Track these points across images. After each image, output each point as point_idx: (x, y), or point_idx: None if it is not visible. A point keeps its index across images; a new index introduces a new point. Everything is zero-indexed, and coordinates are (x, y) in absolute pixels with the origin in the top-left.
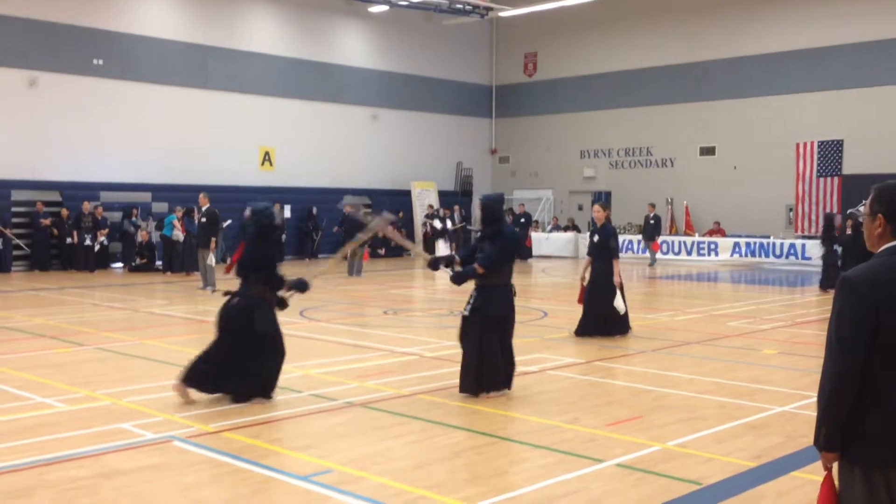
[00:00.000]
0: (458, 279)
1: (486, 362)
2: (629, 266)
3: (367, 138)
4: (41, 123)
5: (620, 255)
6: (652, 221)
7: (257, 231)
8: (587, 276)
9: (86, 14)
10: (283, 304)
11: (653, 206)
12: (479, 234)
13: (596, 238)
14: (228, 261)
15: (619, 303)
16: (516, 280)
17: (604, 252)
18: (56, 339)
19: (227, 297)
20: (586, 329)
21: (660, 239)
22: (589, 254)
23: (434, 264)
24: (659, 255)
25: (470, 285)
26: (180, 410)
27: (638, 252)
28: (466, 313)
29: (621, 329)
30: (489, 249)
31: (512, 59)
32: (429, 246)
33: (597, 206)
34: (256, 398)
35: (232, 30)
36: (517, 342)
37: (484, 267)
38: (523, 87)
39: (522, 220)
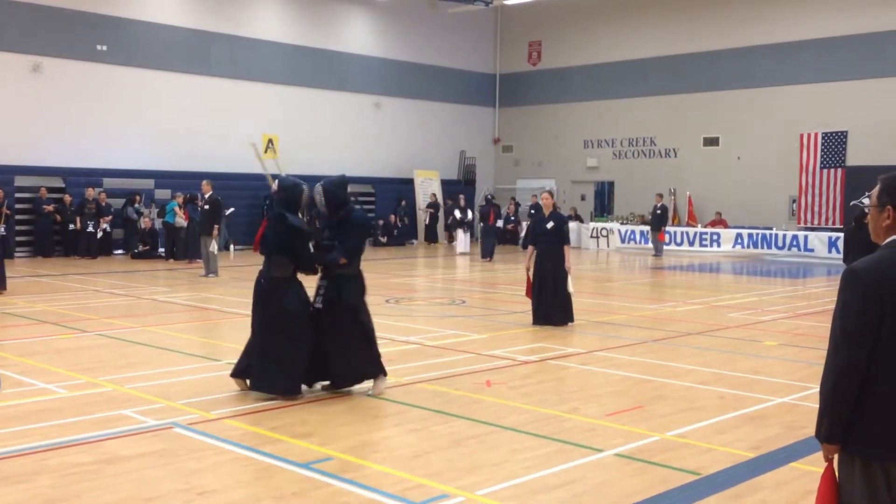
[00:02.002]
0: (318, 261)
1: (343, 353)
2: (633, 256)
3: (370, 126)
4: (45, 109)
5: (623, 245)
6: (659, 212)
7: (282, 210)
8: (532, 265)
9: None
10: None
11: (660, 196)
12: (325, 221)
13: (550, 224)
14: (232, 248)
15: (571, 286)
16: (518, 271)
17: (557, 238)
18: (58, 325)
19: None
20: (544, 318)
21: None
22: (534, 242)
23: None
24: (672, 246)
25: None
26: (181, 397)
27: (640, 242)
28: (319, 305)
29: (565, 318)
30: (348, 239)
31: (516, 47)
32: (431, 236)
33: (545, 194)
34: (288, 395)
35: (235, 16)
36: (519, 331)
37: (348, 258)
38: (527, 76)
39: (532, 210)
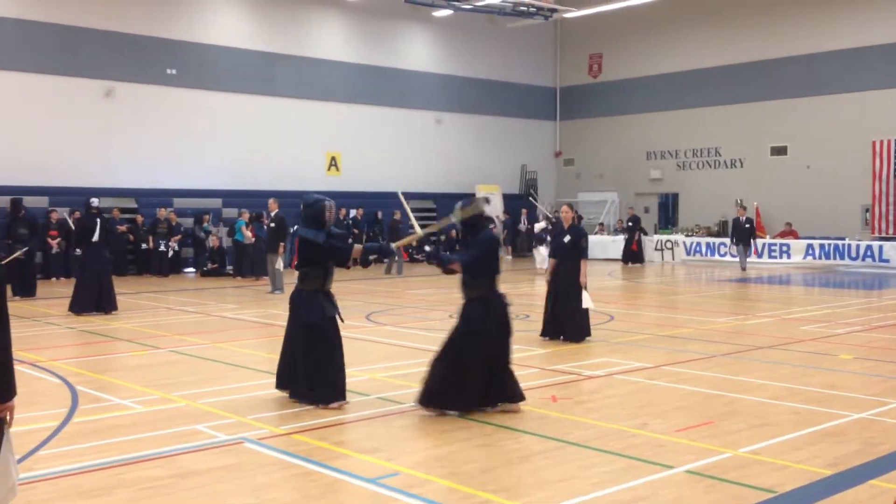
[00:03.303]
0: (431, 257)
1: (456, 379)
2: (698, 269)
3: (431, 142)
4: (117, 132)
5: (689, 257)
6: (747, 225)
7: (302, 226)
8: (551, 277)
9: (160, 25)
10: (365, 262)
11: (744, 208)
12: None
13: (567, 238)
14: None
15: (587, 301)
16: (592, 282)
17: (573, 252)
18: (132, 342)
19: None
20: (557, 331)
21: (730, 241)
22: (553, 255)
23: (420, 248)
24: (728, 258)
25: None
26: (251, 412)
27: (706, 254)
28: (453, 329)
29: (579, 334)
30: (469, 251)
31: (576, 60)
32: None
33: (564, 207)
34: (325, 403)
35: (299, 37)
36: (584, 345)
37: (462, 263)
38: (588, 88)
39: (630, 223)
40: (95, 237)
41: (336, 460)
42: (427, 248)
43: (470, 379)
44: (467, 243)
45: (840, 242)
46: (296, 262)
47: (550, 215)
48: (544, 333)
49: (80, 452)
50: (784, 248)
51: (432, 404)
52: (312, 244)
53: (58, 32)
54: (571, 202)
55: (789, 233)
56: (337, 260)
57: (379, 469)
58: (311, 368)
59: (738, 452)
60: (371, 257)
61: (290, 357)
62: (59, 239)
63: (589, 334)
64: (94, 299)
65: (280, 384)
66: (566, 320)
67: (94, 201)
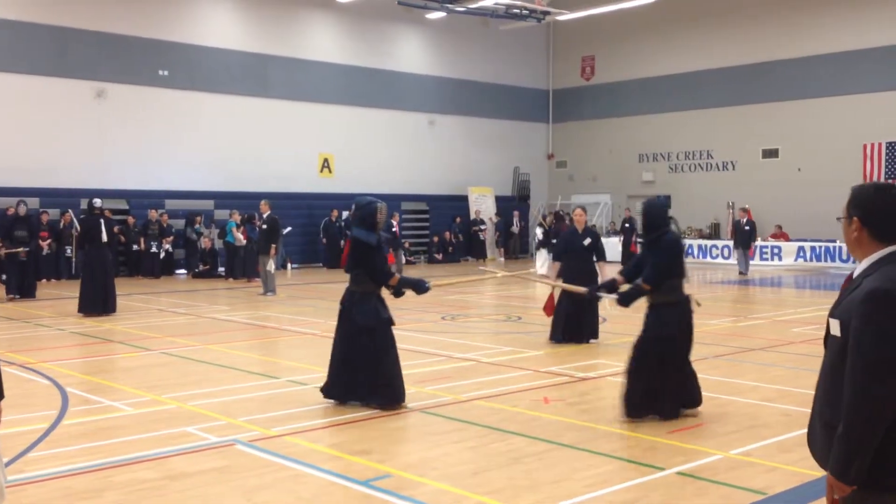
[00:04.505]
0: (625, 300)
1: (655, 386)
2: (690, 271)
3: (424, 144)
4: (109, 133)
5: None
6: (747, 227)
7: (354, 226)
8: (559, 281)
9: (152, 26)
10: (398, 292)
11: (744, 210)
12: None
13: (587, 241)
14: (289, 266)
15: (608, 303)
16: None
17: (594, 255)
18: (123, 343)
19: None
20: (572, 334)
21: (721, 243)
22: (570, 258)
23: (593, 294)
24: (720, 260)
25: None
26: (242, 414)
27: (698, 256)
28: (642, 336)
29: (594, 334)
30: (651, 262)
31: (569, 62)
32: (481, 252)
33: (578, 210)
34: (389, 406)
35: (291, 39)
36: (577, 347)
37: (648, 282)
38: (581, 90)
39: (626, 224)
40: (104, 238)
41: (328, 462)
42: (602, 294)
43: (671, 385)
44: (649, 245)
45: (831, 245)
46: (345, 264)
47: (544, 223)
48: (559, 337)
49: (70, 455)
50: (775, 251)
51: (638, 415)
52: (364, 245)
53: (49, 33)
54: (573, 205)
55: (780, 235)
56: (376, 278)
57: (371, 471)
58: (372, 372)
59: (730, 454)
60: (404, 290)
61: (340, 362)
62: (49, 240)
63: (597, 336)
64: (101, 300)
65: (336, 393)
66: (585, 323)
67: (97, 202)
